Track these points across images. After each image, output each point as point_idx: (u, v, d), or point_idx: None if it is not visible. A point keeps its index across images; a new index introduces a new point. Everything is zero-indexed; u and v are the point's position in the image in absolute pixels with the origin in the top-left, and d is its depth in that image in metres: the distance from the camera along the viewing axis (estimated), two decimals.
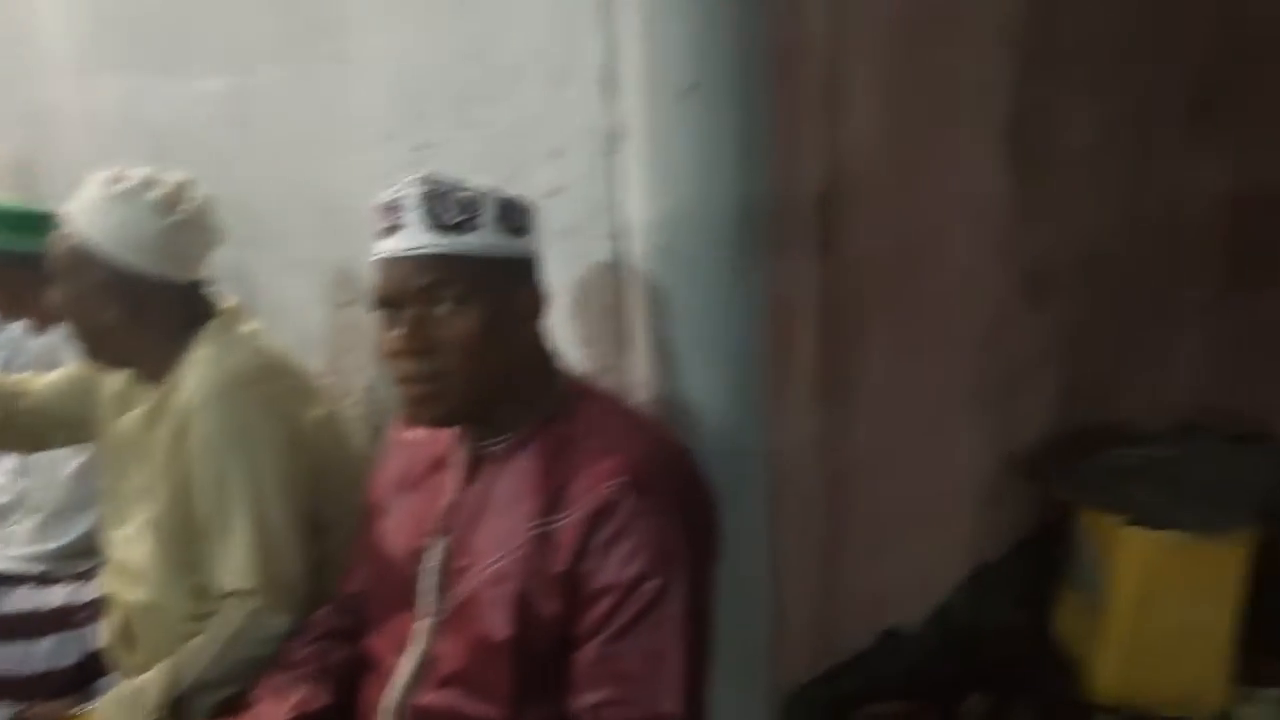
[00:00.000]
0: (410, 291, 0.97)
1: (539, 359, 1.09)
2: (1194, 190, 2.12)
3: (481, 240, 0.99)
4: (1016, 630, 1.82)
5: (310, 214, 1.62)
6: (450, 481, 1.11)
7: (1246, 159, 2.12)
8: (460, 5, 1.29)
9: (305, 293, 1.67)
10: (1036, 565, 1.86)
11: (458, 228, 0.98)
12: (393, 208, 0.99)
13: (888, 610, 1.65)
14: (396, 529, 1.15)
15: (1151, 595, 1.59)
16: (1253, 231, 2.17)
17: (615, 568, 0.96)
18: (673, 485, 1.02)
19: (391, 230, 0.99)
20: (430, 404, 1.00)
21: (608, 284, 1.24)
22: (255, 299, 1.54)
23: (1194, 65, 2.03)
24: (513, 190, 1.04)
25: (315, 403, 1.36)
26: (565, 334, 1.22)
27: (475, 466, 1.09)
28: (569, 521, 0.98)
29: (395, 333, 0.99)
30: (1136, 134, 1.97)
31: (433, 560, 1.08)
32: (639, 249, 1.19)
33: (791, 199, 1.27)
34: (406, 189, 0.99)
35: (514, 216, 1.02)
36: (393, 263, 0.99)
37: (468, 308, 0.98)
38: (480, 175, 1.04)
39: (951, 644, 1.71)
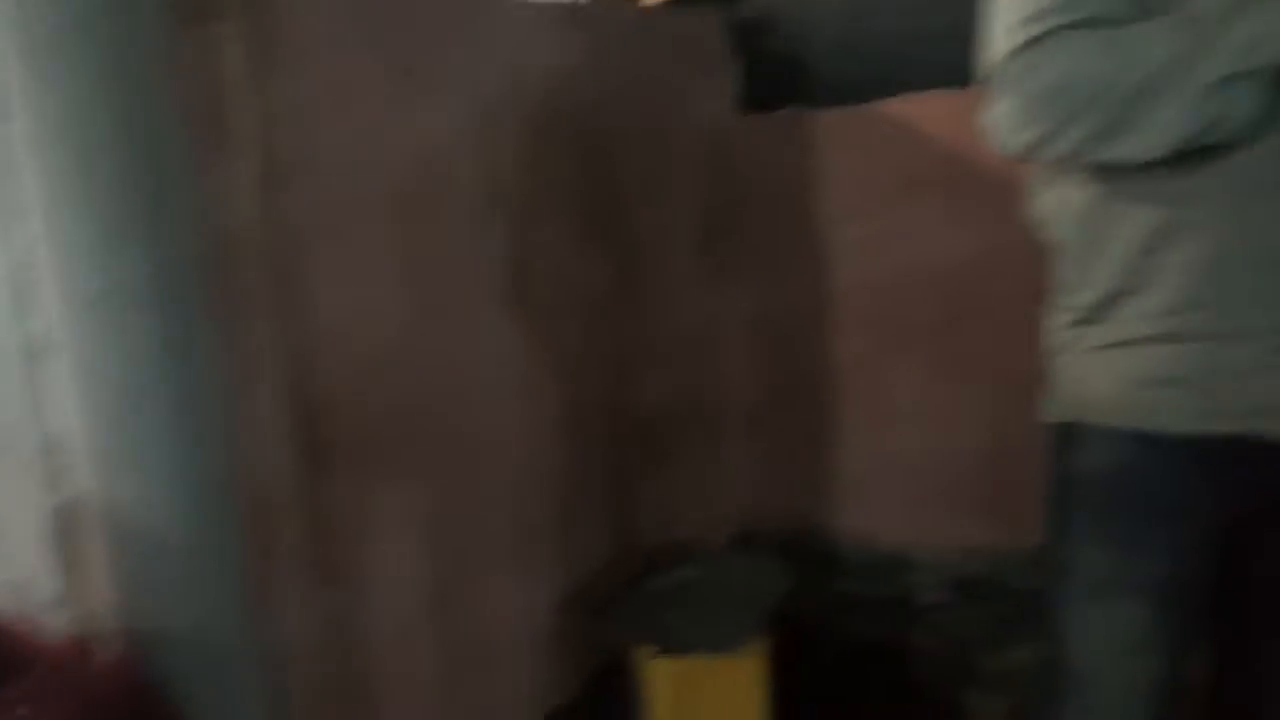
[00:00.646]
0: None
1: None
2: (724, 314, 2.37)
3: None
4: None
5: None
6: None
7: (756, 285, 2.40)
8: None
9: None
10: (606, 706, 1.91)
11: None
12: None
13: None
14: None
15: None
16: (776, 343, 2.44)
17: None
18: None
19: None
20: None
21: (48, 504, 1.13)
22: None
23: (699, 208, 2.29)
24: None
25: None
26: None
27: None
28: None
29: None
30: (657, 269, 2.18)
31: None
32: (81, 467, 1.10)
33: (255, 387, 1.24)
34: None
35: None
36: None
37: None
38: None
39: None
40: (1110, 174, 1.06)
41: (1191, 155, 1.00)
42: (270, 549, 1.28)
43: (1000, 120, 1.06)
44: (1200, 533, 1.11)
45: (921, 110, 2.08)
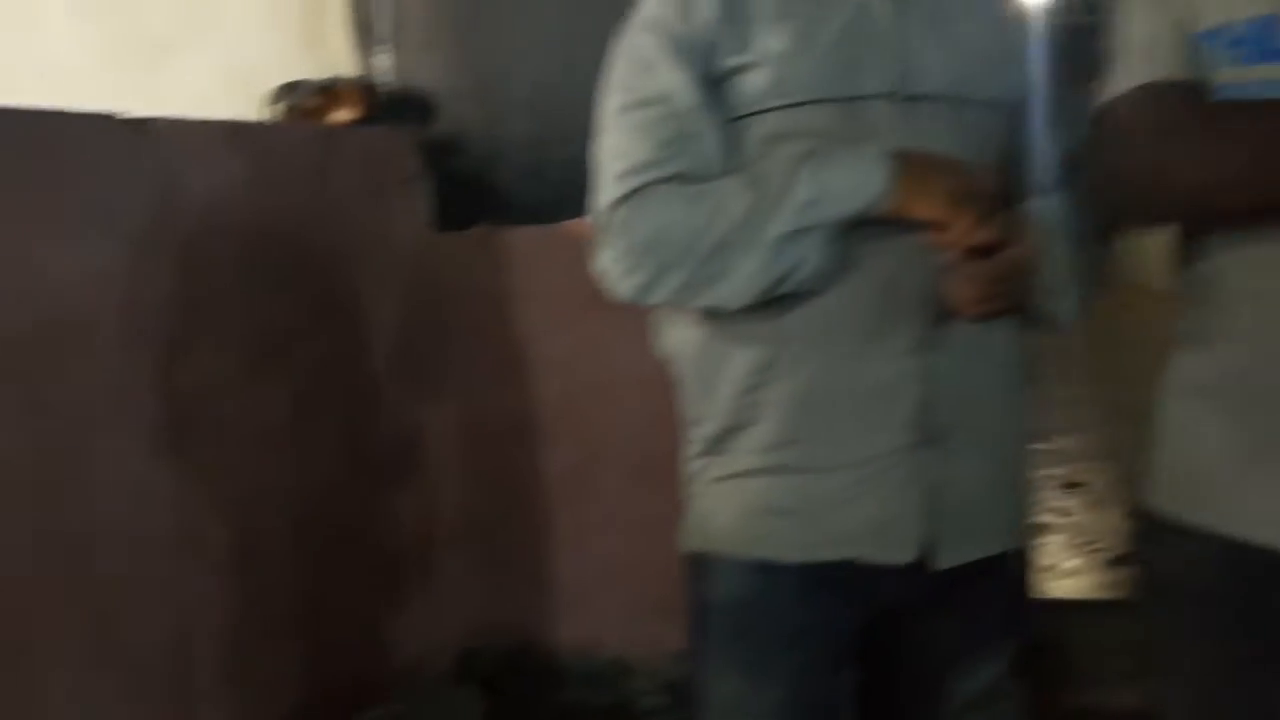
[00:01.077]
0: None
1: None
2: (432, 429, 2.32)
3: None
4: None
5: None
6: None
7: (465, 399, 2.37)
8: None
9: None
10: None
11: None
12: None
13: None
14: None
15: None
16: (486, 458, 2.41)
17: None
18: None
19: None
20: None
21: None
22: None
23: (399, 325, 2.25)
24: None
25: None
26: None
27: None
28: None
29: None
30: (351, 390, 2.11)
31: None
32: None
33: None
34: None
35: None
36: None
37: None
38: None
39: None
40: (715, 316, 1.12)
41: (781, 299, 1.07)
42: None
43: (607, 267, 1.10)
44: (827, 654, 1.16)
45: None
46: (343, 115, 2.13)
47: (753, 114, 1.09)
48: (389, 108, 2.22)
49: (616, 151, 1.10)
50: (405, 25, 2.22)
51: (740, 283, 1.04)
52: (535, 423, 2.31)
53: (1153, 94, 0.98)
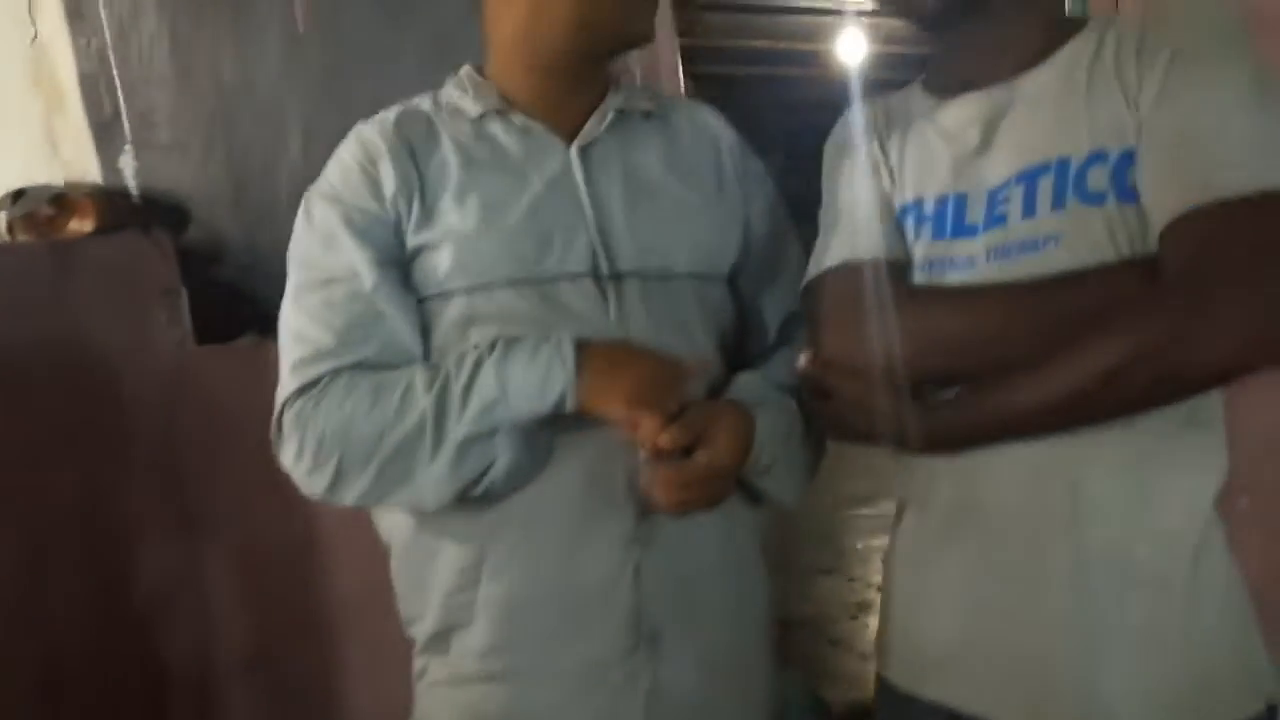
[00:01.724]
0: None
1: None
2: (202, 560, 2.13)
3: None
4: None
5: None
6: None
7: (237, 525, 2.19)
8: None
9: None
10: None
11: None
12: None
13: None
14: None
15: None
16: (268, 583, 2.23)
17: None
18: None
19: None
20: None
21: None
22: None
23: (159, 447, 2.06)
24: None
25: None
26: None
27: None
28: None
29: None
30: (103, 528, 1.91)
31: None
32: None
33: None
34: None
35: None
36: None
37: None
38: None
39: None
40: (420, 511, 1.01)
41: (481, 498, 0.97)
42: None
43: (290, 464, 0.98)
44: None
45: None
46: (79, 226, 1.94)
47: (441, 295, 1.00)
48: (134, 214, 2.04)
49: (298, 335, 0.99)
50: (150, 125, 2.04)
51: (429, 485, 0.95)
52: (317, 545, 2.15)
53: (849, 274, 0.96)
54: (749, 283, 1.14)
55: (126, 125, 2.04)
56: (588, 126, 1.06)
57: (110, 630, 1.94)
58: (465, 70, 1.11)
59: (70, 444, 1.89)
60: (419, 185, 1.00)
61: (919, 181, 0.98)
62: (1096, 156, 0.87)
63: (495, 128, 1.05)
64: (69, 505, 1.85)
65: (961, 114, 0.98)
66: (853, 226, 0.99)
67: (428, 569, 1.02)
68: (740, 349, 1.15)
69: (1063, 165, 0.89)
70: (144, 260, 2.05)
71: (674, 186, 1.08)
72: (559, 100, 1.07)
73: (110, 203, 1.99)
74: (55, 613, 1.82)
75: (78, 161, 2.06)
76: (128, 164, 2.05)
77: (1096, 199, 0.87)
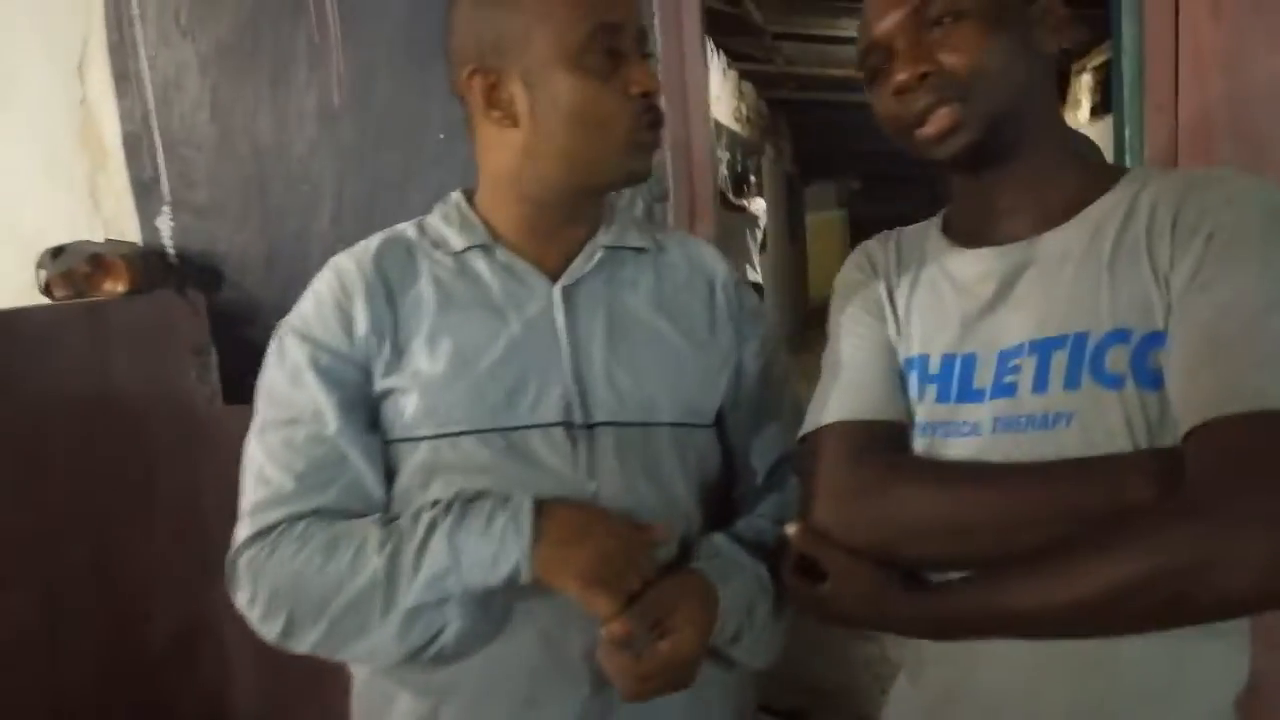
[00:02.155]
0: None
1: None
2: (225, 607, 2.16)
3: None
4: None
5: None
6: None
7: None
8: None
9: None
10: None
11: None
12: None
13: None
14: None
15: None
16: None
17: None
18: None
19: None
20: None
21: None
22: None
23: (186, 503, 2.09)
24: None
25: None
26: None
27: None
28: None
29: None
30: (123, 589, 1.95)
31: None
32: None
33: None
34: None
35: None
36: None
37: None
38: None
39: None
40: None
41: (436, 656, 0.95)
42: None
43: (243, 609, 0.97)
44: None
45: None
46: (114, 285, 1.98)
47: (408, 439, 0.98)
48: (169, 273, 2.08)
49: (258, 475, 0.98)
50: (189, 186, 2.08)
51: (380, 645, 0.93)
52: None
53: (847, 434, 0.92)
54: (738, 424, 1.10)
55: (166, 186, 2.08)
56: (574, 265, 1.03)
57: (125, 682, 1.96)
58: (455, 198, 1.09)
59: (89, 500, 1.92)
60: (391, 327, 0.98)
61: (926, 336, 0.93)
62: (1117, 335, 0.81)
63: (479, 264, 1.03)
64: (85, 561, 1.89)
65: (978, 266, 0.92)
66: (854, 380, 0.94)
67: (385, 713, 1.01)
68: (727, 491, 1.10)
69: (1080, 341, 0.83)
70: (176, 318, 2.09)
71: (661, 329, 1.04)
72: (549, 234, 1.04)
73: (145, 263, 2.03)
74: (70, 664, 1.85)
75: (118, 219, 2.11)
76: (165, 223, 2.09)
77: (1114, 382, 0.81)
